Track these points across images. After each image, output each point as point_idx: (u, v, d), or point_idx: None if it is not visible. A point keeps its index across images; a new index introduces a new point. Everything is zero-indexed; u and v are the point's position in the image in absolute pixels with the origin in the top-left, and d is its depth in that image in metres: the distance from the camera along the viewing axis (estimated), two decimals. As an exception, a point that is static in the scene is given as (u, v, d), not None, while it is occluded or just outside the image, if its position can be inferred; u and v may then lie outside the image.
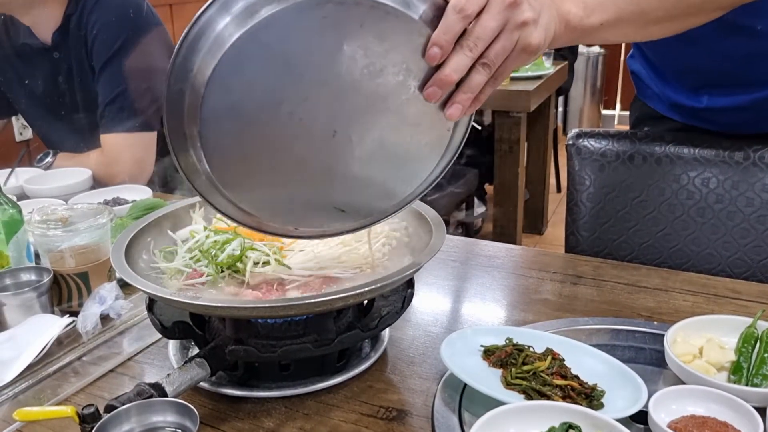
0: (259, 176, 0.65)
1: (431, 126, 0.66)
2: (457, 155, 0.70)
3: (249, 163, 0.64)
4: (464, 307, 0.95)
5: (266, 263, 0.78)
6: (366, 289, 0.67)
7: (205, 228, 0.84)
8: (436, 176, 0.71)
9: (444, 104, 0.65)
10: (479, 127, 0.77)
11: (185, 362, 0.69)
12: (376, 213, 0.72)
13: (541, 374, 0.69)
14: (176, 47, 0.57)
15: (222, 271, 0.77)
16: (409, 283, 0.81)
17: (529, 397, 0.67)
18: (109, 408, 0.61)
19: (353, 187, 0.68)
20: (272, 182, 0.66)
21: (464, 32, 0.61)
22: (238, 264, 0.78)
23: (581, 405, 0.64)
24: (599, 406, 0.66)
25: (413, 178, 0.70)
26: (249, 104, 0.59)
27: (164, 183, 1.60)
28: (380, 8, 0.58)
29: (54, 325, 0.84)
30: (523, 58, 0.65)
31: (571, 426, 0.59)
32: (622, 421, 0.59)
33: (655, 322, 0.82)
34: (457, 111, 0.64)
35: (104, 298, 0.87)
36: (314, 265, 0.78)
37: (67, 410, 0.61)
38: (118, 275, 0.74)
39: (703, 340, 0.74)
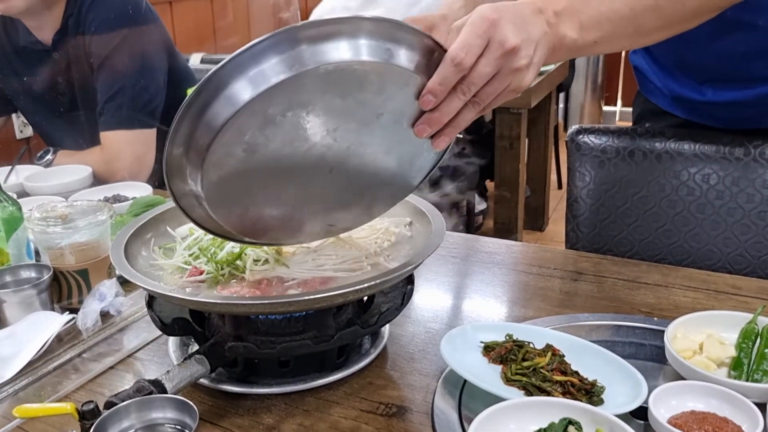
0: (254, 209, 0.69)
1: (418, 155, 0.71)
2: (433, 170, 0.75)
3: (247, 199, 0.67)
4: (464, 303, 0.95)
5: (265, 261, 0.78)
6: (365, 285, 0.67)
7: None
8: (414, 188, 0.77)
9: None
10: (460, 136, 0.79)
11: (185, 359, 0.69)
12: (360, 223, 0.79)
13: (541, 370, 0.69)
14: (196, 88, 0.58)
15: (222, 269, 0.77)
16: (409, 280, 0.81)
17: (529, 393, 0.67)
18: (109, 404, 0.61)
19: (344, 210, 0.74)
20: (268, 214, 0.70)
21: None
22: (237, 262, 0.78)
23: (581, 401, 0.64)
24: (599, 402, 0.66)
25: (398, 196, 0.77)
26: (253, 154, 0.62)
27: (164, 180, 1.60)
28: (380, 68, 0.60)
29: (54, 322, 0.84)
30: (512, 96, 0.68)
31: (570, 422, 0.59)
32: (622, 416, 0.59)
33: (656, 318, 0.82)
34: (443, 143, 0.68)
35: (104, 295, 0.87)
36: (313, 265, 0.78)
37: (67, 407, 0.61)
38: (117, 272, 0.74)
39: (704, 336, 0.74)
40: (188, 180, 0.63)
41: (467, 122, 0.67)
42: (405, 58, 0.61)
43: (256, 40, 0.56)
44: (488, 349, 0.74)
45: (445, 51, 0.63)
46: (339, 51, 0.58)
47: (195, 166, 0.61)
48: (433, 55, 0.63)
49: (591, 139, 1.15)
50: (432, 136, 0.67)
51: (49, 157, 1.55)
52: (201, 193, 0.63)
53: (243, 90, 0.57)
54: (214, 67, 0.57)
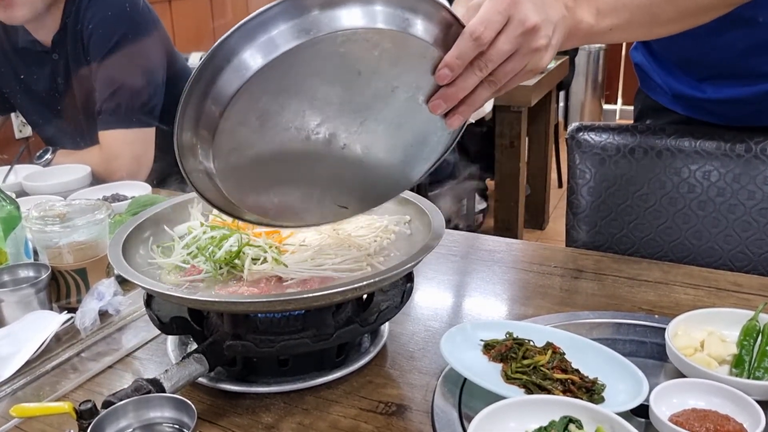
0: (267, 187, 0.67)
1: (432, 132, 0.69)
2: (446, 153, 0.73)
3: (258, 175, 0.66)
4: (464, 301, 0.95)
5: (264, 261, 0.77)
6: (365, 283, 0.67)
7: (202, 224, 0.84)
8: (427, 172, 0.75)
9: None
10: (472, 121, 0.78)
11: (183, 358, 0.69)
12: (373, 206, 0.77)
13: (542, 368, 0.68)
14: (202, 61, 0.57)
15: (220, 268, 0.77)
16: (409, 278, 0.81)
17: (529, 392, 0.66)
18: (107, 404, 0.60)
19: (357, 189, 0.72)
20: (280, 192, 0.69)
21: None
22: (236, 261, 0.77)
23: (582, 399, 0.64)
24: (600, 400, 0.65)
25: (410, 176, 0.74)
26: (265, 127, 0.60)
27: (163, 179, 1.59)
28: (396, 37, 0.59)
29: (52, 321, 0.83)
30: (528, 77, 0.67)
31: (571, 420, 0.59)
32: (623, 414, 0.59)
33: (656, 316, 0.82)
34: (458, 121, 0.67)
35: (102, 294, 0.87)
36: (312, 264, 0.77)
37: (65, 406, 0.61)
38: (116, 271, 0.73)
39: (705, 333, 0.73)
40: (199, 153, 0.61)
41: (482, 101, 0.66)
42: (422, 28, 0.60)
43: (266, 7, 0.54)
44: (488, 347, 0.73)
45: (463, 26, 0.62)
46: (355, 18, 0.56)
47: (207, 137, 0.59)
48: (450, 28, 0.62)
49: (591, 137, 1.15)
50: (446, 115, 0.66)
51: (48, 156, 1.55)
52: (212, 166, 0.61)
53: (254, 58, 0.55)
54: (223, 36, 0.55)
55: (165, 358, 0.80)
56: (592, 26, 0.72)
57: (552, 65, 2.83)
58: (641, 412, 0.63)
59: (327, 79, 0.59)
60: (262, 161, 0.64)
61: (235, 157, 0.62)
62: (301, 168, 0.66)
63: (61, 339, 0.83)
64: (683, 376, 0.68)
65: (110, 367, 0.79)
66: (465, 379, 0.69)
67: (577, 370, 0.69)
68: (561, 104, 4.68)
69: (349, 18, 0.56)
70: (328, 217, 0.77)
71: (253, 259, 0.77)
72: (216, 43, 0.55)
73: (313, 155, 0.65)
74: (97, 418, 0.58)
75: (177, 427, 0.60)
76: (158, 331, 0.80)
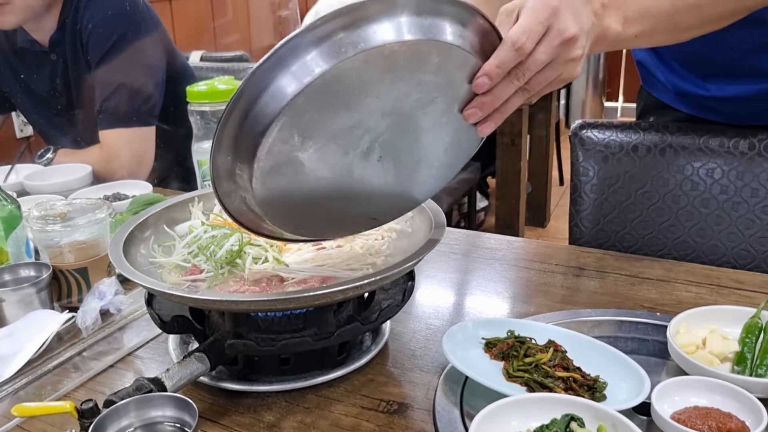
0: (305, 205, 0.67)
1: (461, 140, 0.70)
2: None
3: (296, 194, 0.65)
4: (466, 299, 0.94)
5: (265, 260, 0.77)
6: (366, 281, 0.66)
7: (203, 223, 0.83)
8: (452, 178, 0.75)
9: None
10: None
11: (185, 357, 0.69)
12: (401, 214, 0.77)
13: (543, 366, 0.68)
14: (250, 73, 0.56)
15: (221, 268, 0.77)
16: (410, 276, 0.81)
17: (531, 390, 0.66)
18: (108, 403, 0.60)
19: (389, 200, 0.72)
20: (318, 209, 0.68)
21: None
22: (237, 260, 0.77)
23: (583, 397, 0.63)
24: (602, 397, 0.65)
25: (439, 183, 0.74)
26: (306, 145, 0.60)
27: (164, 178, 1.59)
28: (441, 48, 0.58)
29: (53, 320, 0.83)
30: (559, 85, 0.68)
31: (573, 418, 0.59)
32: (624, 412, 0.59)
33: (658, 314, 0.82)
34: (489, 128, 0.67)
35: (104, 293, 0.87)
36: (313, 264, 0.77)
37: (66, 405, 0.60)
38: (117, 270, 0.73)
39: (707, 330, 0.73)
40: (236, 175, 0.60)
41: (514, 108, 0.66)
42: (464, 38, 0.59)
43: (296, 32, 0.54)
44: (490, 345, 0.73)
45: (498, 33, 0.62)
46: (393, 31, 0.55)
47: (246, 158, 0.58)
48: (488, 37, 0.61)
49: (594, 134, 1.14)
50: (477, 122, 0.66)
51: (48, 155, 1.55)
52: (250, 186, 0.60)
53: (290, 84, 0.55)
54: (254, 66, 0.55)
55: (166, 357, 0.80)
56: (619, 34, 0.71)
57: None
58: (643, 409, 0.63)
59: (371, 93, 0.59)
60: (302, 181, 0.63)
61: (273, 178, 0.61)
62: (338, 183, 0.66)
63: (62, 338, 0.83)
64: (685, 373, 0.68)
65: (111, 366, 0.79)
66: (466, 377, 0.69)
67: (578, 368, 0.69)
68: (562, 102, 4.68)
69: (389, 33, 0.56)
70: (358, 229, 0.77)
71: (254, 259, 0.77)
72: (250, 73, 0.55)
73: (350, 169, 0.65)
74: (98, 418, 0.58)
75: (178, 426, 0.60)
76: (159, 330, 0.80)
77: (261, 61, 0.55)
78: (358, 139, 0.62)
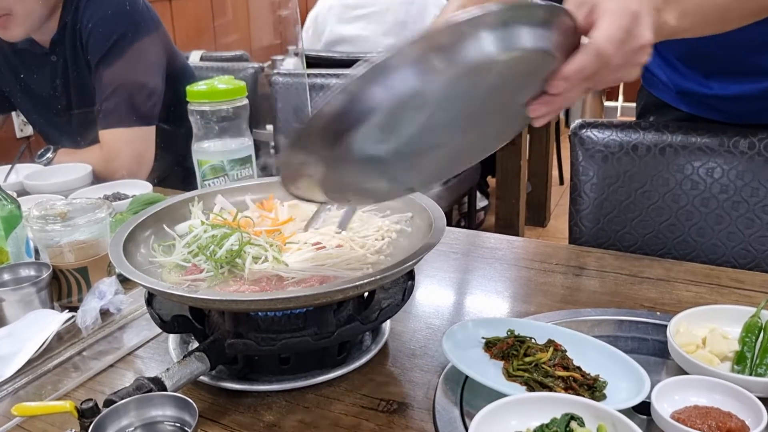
0: (364, 181, 0.67)
1: (516, 124, 0.73)
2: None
3: (363, 170, 0.64)
4: (466, 299, 0.94)
5: (265, 260, 0.77)
6: (366, 281, 0.66)
7: (203, 223, 0.83)
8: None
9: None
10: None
11: (185, 356, 0.69)
12: (432, 187, 0.79)
13: (543, 366, 0.68)
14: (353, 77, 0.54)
15: (221, 267, 0.77)
16: (410, 275, 0.81)
17: (530, 389, 0.66)
18: (108, 402, 0.60)
19: (434, 176, 0.75)
20: (372, 182, 0.69)
21: None
22: (237, 260, 0.77)
23: (583, 396, 0.63)
24: (601, 397, 0.65)
25: (470, 162, 0.78)
26: (392, 137, 0.59)
27: (164, 177, 1.59)
28: (534, 53, 0.57)
29: (54, 320, 0.83)
30: (612, 85, 0.67)
31: (573, 417, 0.59)
32: (624, 412, 0.59)
33: (658, 313, 0.82)
34: (545, 120, 0.66)
35: (104, 292, 0.87)
36: (312, 263, 0.77)
37: (66, 405, 0.61)
38: (117, 270, 0.73)
39: (706, 330, 0.73)
40: (314, 148, 0.59)
41: (572, 103, 0.67)
42: (549, 39, 0.58)
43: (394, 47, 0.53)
44: (490, 344, 0.73)
45: (578, 31, 0.60)
46: (494, 43, 0.54)
47: (331, 144, 0.57)
48: (571, 36, 0.60)
49: (594, 134, 1.14)
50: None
51: (49, 155, 1.54)
52: (324, 156, 0.59)
53: (379, 96, 0.54)
54: (340, 87, 0.53)
55: (166, 357, 0.80)
56: (673, 28, 0.70)
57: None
58: (643, 409, 0.63)
59: (456, 97, 0.58)
60: (373, 161, 0.62)
61: (349, 158, 0.59)
62: (398, 164, 0.65)
63: (62, 338, 0.83)
64: (685, 373, 0.68)
65: (111, 365, 0.79)
66: (466, 376, 0.69)
67: (578, 368, 0.69)
68: (562, 101, 4.66)
69: (490, 45, 0.54)
70: (393, 197, 0.80)
71: (254, 258, 0.77)
72: (341, 86, 0.54)
73: (414, 153, 0.64)
74: (98, 417, 0.58)
75: (178, 425, 0.60)
76: (159, 330, 0.80)
77: (351, 77, 0.53)
78: (431, 134, 0.62)
